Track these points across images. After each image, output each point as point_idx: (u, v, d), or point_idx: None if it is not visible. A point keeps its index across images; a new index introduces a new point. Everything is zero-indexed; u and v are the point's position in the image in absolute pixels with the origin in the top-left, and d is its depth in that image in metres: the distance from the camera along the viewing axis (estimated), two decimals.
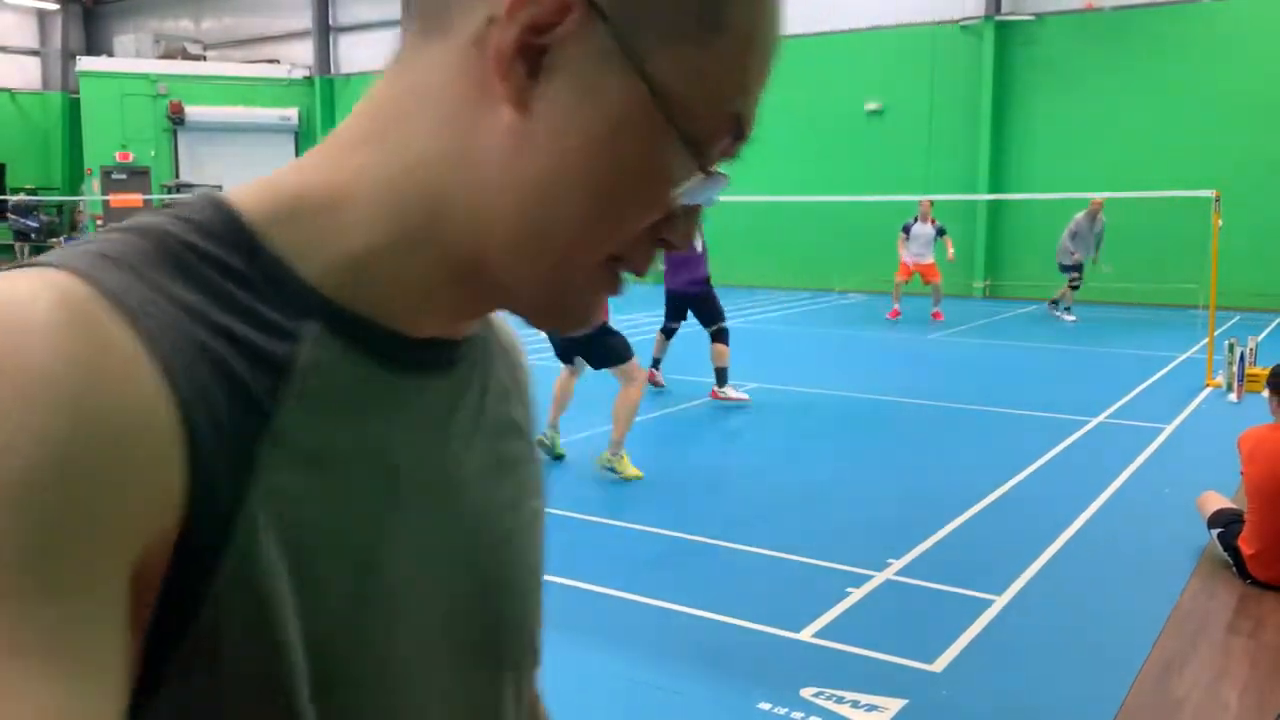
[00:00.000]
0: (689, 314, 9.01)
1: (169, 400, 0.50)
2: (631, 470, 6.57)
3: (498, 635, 0.69)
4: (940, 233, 14.84)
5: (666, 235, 0.61)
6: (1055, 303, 15.00)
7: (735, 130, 0.60)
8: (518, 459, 0.74)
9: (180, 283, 0.54)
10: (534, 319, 0.64)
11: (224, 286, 0.56)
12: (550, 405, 6.92)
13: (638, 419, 7.96)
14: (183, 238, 0.56)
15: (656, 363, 9.22)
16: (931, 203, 15.08)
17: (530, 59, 0.56)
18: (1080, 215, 14.34)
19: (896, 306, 15.04)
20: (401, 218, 0.59)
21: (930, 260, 14.80)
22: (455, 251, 0.60)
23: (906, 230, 14.89)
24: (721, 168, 0.62)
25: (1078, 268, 14.44)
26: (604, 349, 6.59)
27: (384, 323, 0.60)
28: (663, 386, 9.16)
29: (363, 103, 0.63)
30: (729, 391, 8.73)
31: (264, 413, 0.54)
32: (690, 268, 8.84)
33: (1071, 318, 14.64)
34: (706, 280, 8.86)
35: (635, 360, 6.63)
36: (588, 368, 6.94)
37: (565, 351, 6.84)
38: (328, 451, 0.57)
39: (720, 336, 8.78)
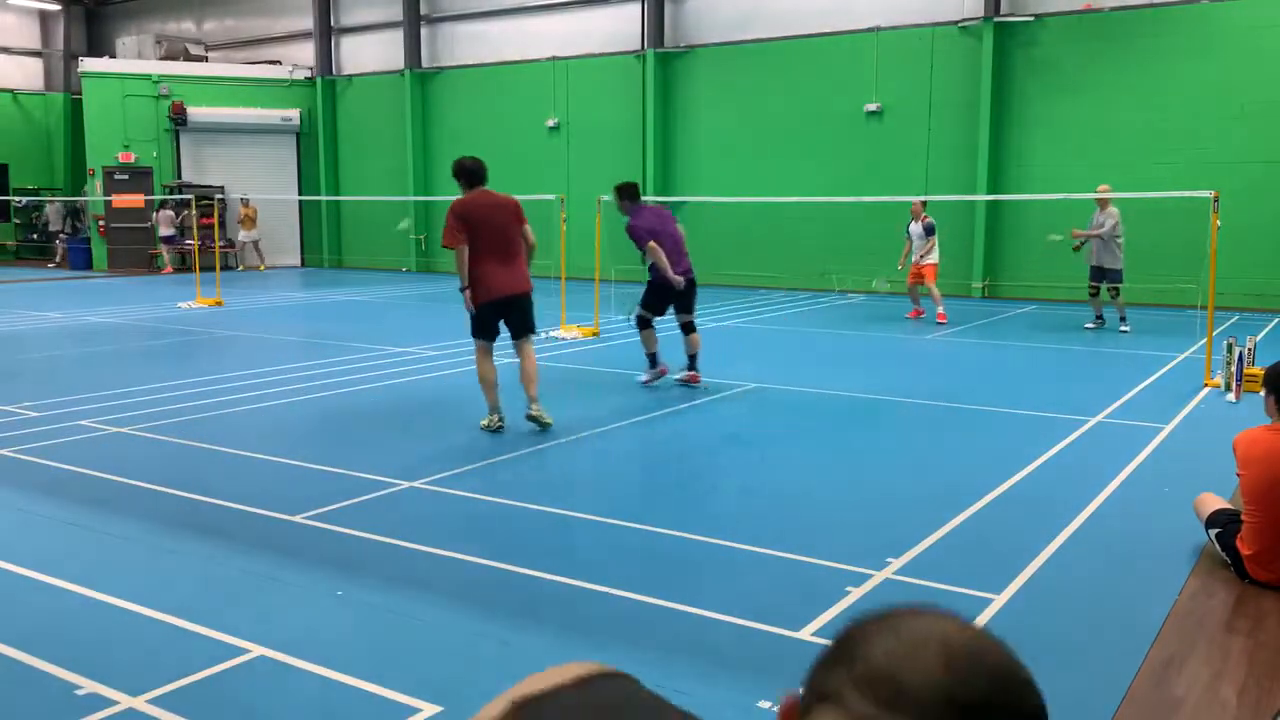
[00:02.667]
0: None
1: None
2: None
3: None
4: (928, 231, 14.52)
5: None
6: (1122, 317, 13.60)
7: None
8: None
9: None
10: None
11: None
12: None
13: (639, 417, 8.01)
14: None
15: (693, 360, 9.36)
16: (924, 202, 14.89)
17: None
18: (1100, 214, 13.40)
19: (916, 307, 14.91)
20: None
21: (925, 261, 14.55)
22: None
23: (908, 232, 14.83)
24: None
25: (1091, 272, 13.63)
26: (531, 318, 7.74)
27: None
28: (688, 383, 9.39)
29: None
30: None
31: None
32: (683, 255, 9.34)
33: (1091, 325, 13.83)
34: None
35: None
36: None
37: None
38: None
39: (694, 327, 9.37)
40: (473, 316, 7.58)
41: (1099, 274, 13.51)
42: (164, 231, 24.00)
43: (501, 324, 7.62)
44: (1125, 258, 13.60)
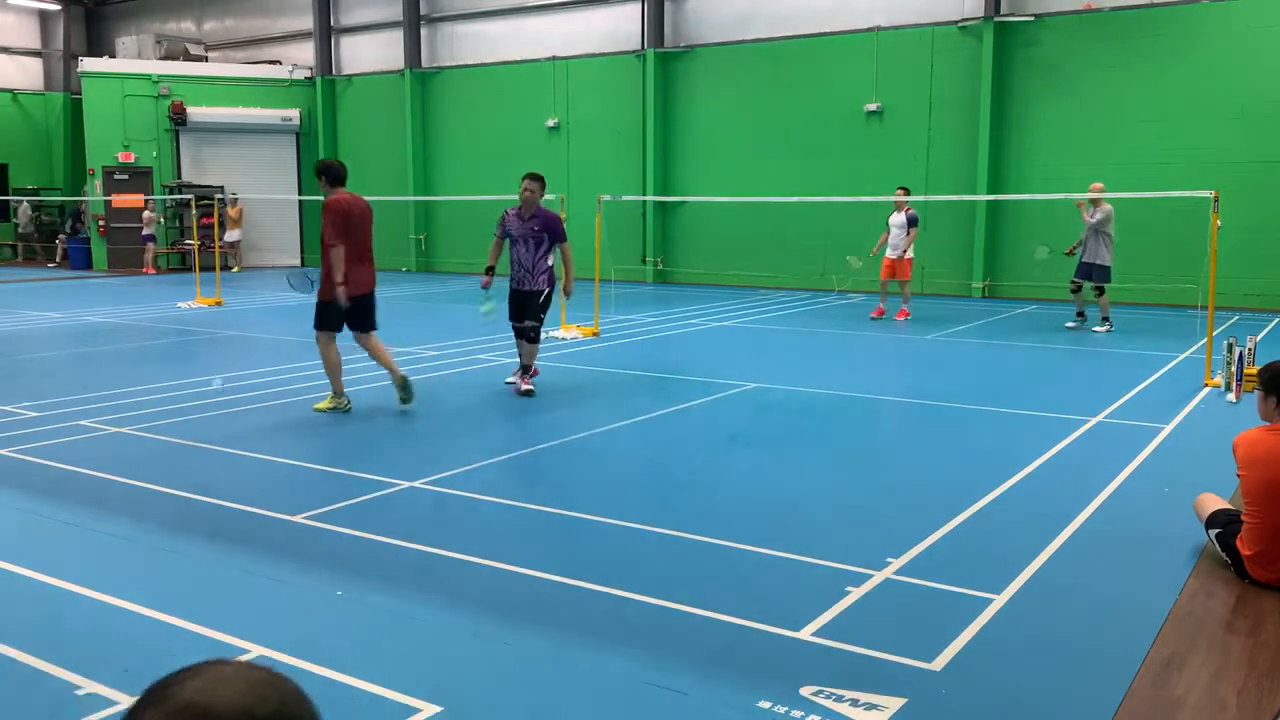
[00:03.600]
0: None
1: None
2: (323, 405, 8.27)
3: None
4: (911, 222, 14.38)
5: None
6: (1105, 318, 13.47)
7: None
8: None
9: None
10: None
11: None
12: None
13: (638, 417, 8.01)
14: None
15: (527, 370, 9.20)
16: (908, 191, 14.79)
17: None
18: (1094, 210, 13.31)
19: (881, 306, 14.84)
20: None
21: (899, 256, 14.43)
22: None
23: (888, 222, 14.69)
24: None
25: (1078, 269, 13.66)
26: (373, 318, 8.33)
27: None
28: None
29: None
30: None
31: None
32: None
33: (1072, 325, 13.86)
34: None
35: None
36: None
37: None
38: None
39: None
40: (327, 309, 8.12)
41: (1086, 271, 13.42)
42: (144, 231, 23.93)
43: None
44: (1122, 257, 13.60)
